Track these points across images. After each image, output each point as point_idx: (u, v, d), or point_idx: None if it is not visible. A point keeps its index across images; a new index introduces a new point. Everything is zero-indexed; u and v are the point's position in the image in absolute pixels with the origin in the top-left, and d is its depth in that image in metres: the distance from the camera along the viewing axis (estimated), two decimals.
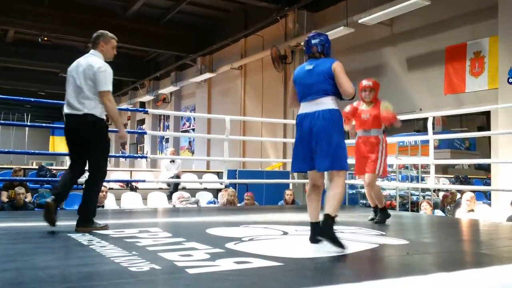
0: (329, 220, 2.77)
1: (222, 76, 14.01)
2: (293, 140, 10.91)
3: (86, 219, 3.43)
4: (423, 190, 8.74)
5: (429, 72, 8.66)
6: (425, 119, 7.26)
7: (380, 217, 4.29)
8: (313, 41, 3.08)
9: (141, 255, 2.45)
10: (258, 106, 12.32)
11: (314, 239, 2.92)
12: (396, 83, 9.13)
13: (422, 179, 8.86)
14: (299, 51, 10.74)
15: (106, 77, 3.43)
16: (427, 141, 6.21)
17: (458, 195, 7.79)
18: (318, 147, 2.87)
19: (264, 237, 3.26)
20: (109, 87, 3.45)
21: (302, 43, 10.28)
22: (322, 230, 2.78)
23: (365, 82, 4.43)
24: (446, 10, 8.33)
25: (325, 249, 2.74)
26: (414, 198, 8.75)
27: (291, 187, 8.70)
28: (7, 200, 6.45)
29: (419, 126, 11.52)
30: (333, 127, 2.90)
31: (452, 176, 11.27)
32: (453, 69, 8.13)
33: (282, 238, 3.27)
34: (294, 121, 10.48)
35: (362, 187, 9.43)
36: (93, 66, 3.41)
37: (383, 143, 4.25)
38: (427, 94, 8.69)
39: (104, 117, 3.53)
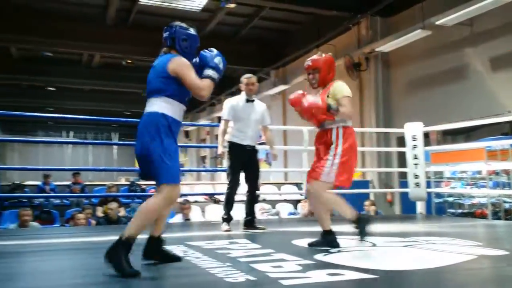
0: (119, 243, 2.39)
1: (296, 88, 13.91)
2: (371, 149, 10.65)
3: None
4: None
5: None
6: None
7: (319, 241, 3.21)
8: (164, 35, 2.72)
9: (235, 266, 2.53)
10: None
11: None
12: (480, 85, 8.67)
13: None
14: (373, 58, 10.56)
15: None
16: None
17: None
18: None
19: (352, 249, 3.23)
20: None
21: (377, 50, 10.00)
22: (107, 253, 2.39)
23: (306, 62, 3.43)
24: None
25: (417, 261, 2.67)
26: (507, 205, 8.21)
27: (371, 197, 8.52)
28: (102, 215, 6.91)
29: (507, 129, 10.82)
30: (148, 134, 2.50)
31: None
32: None
33: (371, 249, 3.22)
34: (371, 129, 10.20)
35: (449, 195, 9.03)
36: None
37: (340, 139, 3.16)
38: None
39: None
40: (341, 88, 3.24)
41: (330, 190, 3.22)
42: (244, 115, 4.48)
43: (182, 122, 2.69)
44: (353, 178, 3.26)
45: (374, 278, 2.23)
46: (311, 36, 12.42)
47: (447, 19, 8.06)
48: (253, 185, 4.52)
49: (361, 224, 3.15)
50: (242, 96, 4.60)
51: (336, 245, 3.14)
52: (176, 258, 2.75)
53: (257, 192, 4.67)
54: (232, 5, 10.01)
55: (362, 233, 3.13)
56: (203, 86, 2.58)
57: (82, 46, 12.83)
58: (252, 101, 4.60)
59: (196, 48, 2.78)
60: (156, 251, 2.72)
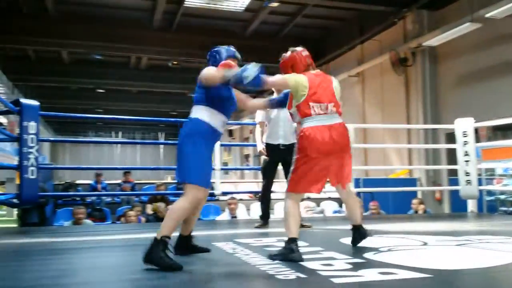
0: (155, 243, 2.51)
1: (339, 85, 13.93)
2: (419, 146, 10.41)
3: None
4: None
5: None
6: None
7: (282, 249, 2.76)
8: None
9: (284, 263, 2.56)
10: (378, 112, 12.00)
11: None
12: None
13: None
14: (420, 52, 10.29)
15: None
16: None
17: None
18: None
19: (403, 248, 3.19)
20: None
21: (424, 44, 9.74)
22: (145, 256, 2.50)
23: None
24: None
25: (471, 260, 2.60)
26: None
27: (419, 195, 8.33)
28: (151, 212, 7.11)
29: None
30: (185, 137, 2.73)
31: None
32: None
33: (422, 248, 3.16)
34: (418, 126, 9.97)
35: (501, 193, 8.71)
36: None
37: (300, 141, 2.87)
38: None
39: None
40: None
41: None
42: (274, 114, 4.52)
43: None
44: (319, 185, 2.89)
45: (428, 277, 2.20)
46: (354, 32, 12.28)
47: (498, 12, 7.76)
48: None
49: (288, 249, 2.69)
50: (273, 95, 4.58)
51: (295, 258, 2.63)
52: (205, 250, 2.98)
53: None
54: (275, 4, 10.03)
55: (280, 255, 2.70)
56: (206, 73, 2.75)
57: (130, 49, 13.22)
58: None
59: (227, 57, 2.93)
60: (185, 247, 2.96)
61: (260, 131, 4.69)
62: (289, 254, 2.65)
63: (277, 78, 2.99)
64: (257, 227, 4.55)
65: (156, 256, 2.47)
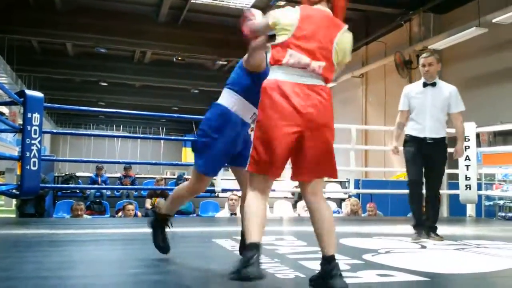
0: (156, 217, 2.70)
1: (343, 85, 13.92)
2: None
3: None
4: None
5: None
6: None
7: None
8: None
9: (283, 262, 2.57)
10: (381, 113, 12.01)
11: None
12: None
13: None
14: None
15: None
16: None
17: None
18: None
19: (401, 250, 3.20)
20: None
21: (429, 47, 9.74)
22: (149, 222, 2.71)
23: None
24: None
25: (469, 264, 2.62)
26: None
27: None
28: (151, 207, 7.14)
29: None
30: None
31: None
32: None
33: (420, 251, 3.18)
34: None
35: (500, 198, 8.71)
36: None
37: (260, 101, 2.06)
38: None
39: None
40: None
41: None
42: (419, 102, 3.86)
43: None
44: (276, 162, 1.99)
45: (425, 280, 2.21)
46: (360, 33, 12.26)
47: (505, 17, 7.75)
48: (432, 185, 3.90)
49: (247, 257, 1.85)
50: (421, 80, 3.98)
51: (250, 273, 1.82)
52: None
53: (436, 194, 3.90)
54: (282, 3, 10.01)
55: (235, 272, 1.84)
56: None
57: (135, 44, 13.21)
58: (433, 84, 3.89)
59: None
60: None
61: (398, 123, 4.05)
62: (242, 269, 1.81)
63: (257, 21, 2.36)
64: (415, 241, 3.65)
65: (153, 229, 2.63)
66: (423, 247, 3.32)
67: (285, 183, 9.60)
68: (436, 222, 3.86)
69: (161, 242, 2.61)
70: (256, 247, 1.87)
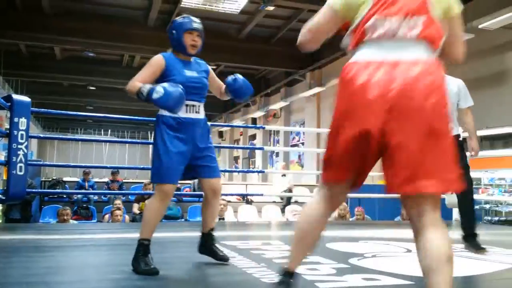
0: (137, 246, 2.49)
1: (331, 90, 14.02)
2: None
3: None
4: None
5: None
6: None
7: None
8: None
9: (270, 267, 2.58)
10: None
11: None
12: None
13: None
14: None
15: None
16: None
17: None
18: None
19: (387, 254, 3.23)
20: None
21: None
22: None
23: None
24: None
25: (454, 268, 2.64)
26: None
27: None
28: (138, 212, 7.09)
29: None
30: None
31: None
32: None
33: (406, 255, 3.21)
34: None
35: (486, 202, 8.80)
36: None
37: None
38: None
39: None
40: None
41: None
42: None
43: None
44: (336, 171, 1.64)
45: (410, 284, 2.24)
46: None
47: (491, 23, 7.88)
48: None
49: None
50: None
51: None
52: (223, 259, 2.70)
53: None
54: (271, 8, 10.07)
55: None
56: (128, 85, 2.62)
57: (124, 48, 13.16)
58: None
59: (183, 31, 2.76)
60: (204, 247, 2.75)
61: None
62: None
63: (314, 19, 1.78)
64: (479, 251, 3.46)
65: (133, 261, 2.45)
66: (409, 250, 3.35)
67: (273, 187, 9.64)
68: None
69: (144, 266, 2.41)
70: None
